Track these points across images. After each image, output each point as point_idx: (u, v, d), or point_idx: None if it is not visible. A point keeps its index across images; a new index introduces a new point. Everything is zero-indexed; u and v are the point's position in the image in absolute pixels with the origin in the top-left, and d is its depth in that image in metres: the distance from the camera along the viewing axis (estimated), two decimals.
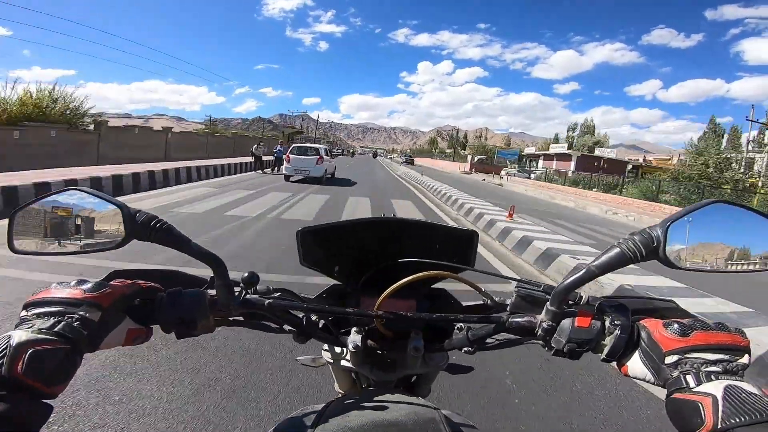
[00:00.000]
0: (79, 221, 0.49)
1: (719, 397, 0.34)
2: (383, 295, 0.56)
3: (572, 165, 37.80)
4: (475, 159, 49.08)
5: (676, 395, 0.38)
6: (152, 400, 1.78)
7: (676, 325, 0.42)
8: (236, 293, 0.53)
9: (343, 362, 0.65)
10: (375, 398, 0.54)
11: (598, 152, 44.66)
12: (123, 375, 1.95)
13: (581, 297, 0.52)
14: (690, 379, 0.38)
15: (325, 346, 0.67)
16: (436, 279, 0.64)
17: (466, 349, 0.56)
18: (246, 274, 0.55)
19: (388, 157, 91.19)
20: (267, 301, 0.54)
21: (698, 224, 0.46)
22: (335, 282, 0.70)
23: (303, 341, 0.60)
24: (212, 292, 0.52)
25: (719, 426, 0.33)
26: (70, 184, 7.12)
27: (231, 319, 0.56)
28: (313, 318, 0.60)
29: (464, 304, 0.65)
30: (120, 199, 0.49)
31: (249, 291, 0.55)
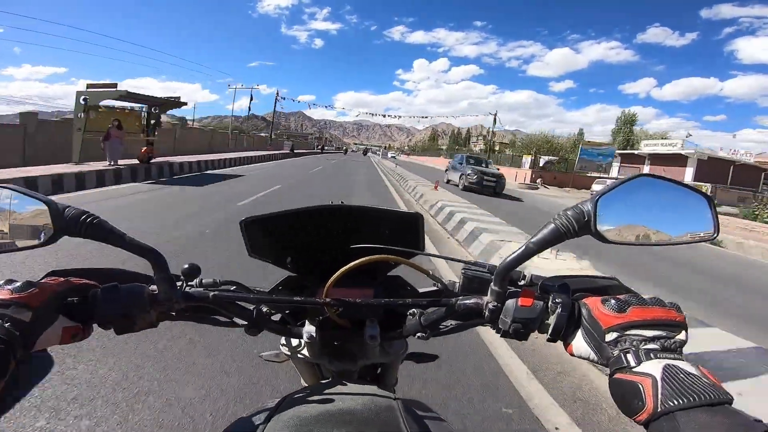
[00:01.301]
0: (1, 219, 0.48)
1: (658, 378, 0.34)
2: (329, 281, 0.55)
3: (689, 173, 27.16)
4: (540, 161, 30.11)
5: (618, 375, 0.38)
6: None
7: (612, 302, 0.43)
8: (178, 287, 0.52)
9: (302, 354, 0.65)
10: (331, 389, 0.53)
11: (722, 154, 30.13)
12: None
13: (524, 276, 0.52)
14: (630, 357, 0.38)
15: (283, 340, 0.67)
16: (388, 265, 0.63)
17: (419, 334, 0.56)
18: (186, 266, 0.54)
19: (389, 155, 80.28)
20: (212, 294, 0.53)
21: (627, 199, 0.47)
22: (290, 274, 0.69)
23: (254, 333, 0.59)
24: (154, 287, 0.51)
25: (659, 409, 0.33)
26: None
27: (175, 313, 0.55)
28: (264, 310, 0.58)
29: (421, 290, 0.65)
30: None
31: (191, 284, 0.54)
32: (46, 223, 0.46)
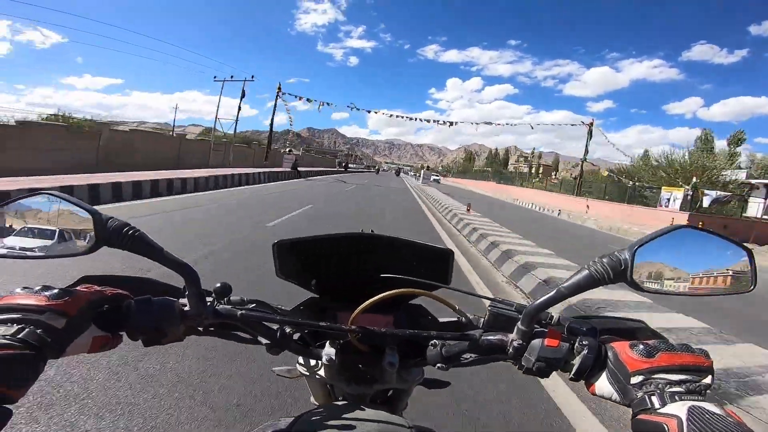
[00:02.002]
0: (48, 225, 0.50)
1: (683, 418, 0.35)
2: (357, 311, 0.57)
3: None
4: (703, 199, 17.96)
5: (642, 416, 0.39)
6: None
7: (641, 346, 0.44)
8: (208, 303, 0.54)
9: (318, 375, 0.66)
10: (345, 412, 0.54)
11: None
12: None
13: (552, 317, 0.53)
14: (655, 399, 0.39)
15: (300, 359, 0.68)
16: (412, 295, 0.64)
17: (439, 365, 0.57)
18: (218, 285, 0.56)
19: (432, 178, 65.58)
20: (239, 312, 0.54)
21: (665, 248, 0.48)
22: (313, 295, 0.70)
23: (276, 353, 0.60)
24: (184, 301, 0.52)
25: None
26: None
27: (202, 329, 0.56)
28: (287, 330, 0.60)
29: (441, 320, 0.66)
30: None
31: (221, 301, 0.56)
32: (89, 232, 0.48)
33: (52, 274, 3.17)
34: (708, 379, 0.41)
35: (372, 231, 0.69)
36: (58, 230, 0.50)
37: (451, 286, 0.64)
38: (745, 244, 0.48)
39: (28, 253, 0.50)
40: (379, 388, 0.65)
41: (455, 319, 0.64)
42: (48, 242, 0.50)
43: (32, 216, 0.50)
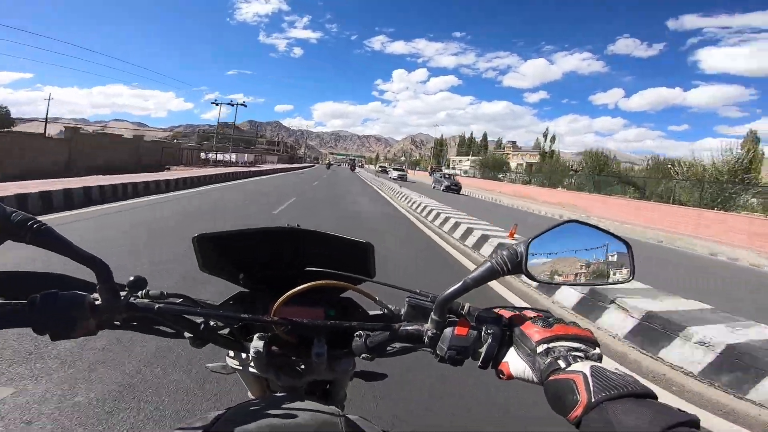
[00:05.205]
0: None
1: (588, 374, 0.38)
2: (278, 302, 0.58)
3: None
4: None
5: (552, 377, 0.42)
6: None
7: (540, 321, 0.48)
8: (122, 297, 0.53)
9: (250, 368, 0.66)
10: (277, 404, 0.54)
11: None
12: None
13: (463, 307, 0.55)
14: (561, 362, 0.42)
15: (231, 353, 0.68)
16: (342, 289, 0.66)
17: (364, 355, 0.58)
18: (132, 278, 0.55)
19: (395, 174, 45.64)
20: (157, 306, 0.54)
21: (557, 242, 0.51)
22: (242, 289, 0.70)
23: (200, 346, 0.60)
24: (96, 295, 0.52)
25: (593, 399, 0.36)
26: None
27: (120, 323, 0.55)
28: (212, 324, 0.60)
29: (371, 313, 0.68)
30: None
31: (136, 295, 0.55)
32: None
33: None
34: (598, 350, 0.45)
35: (297, 225, 0.69)
36: None
37: (375, 280, 0.66)
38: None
39: None
40: (309, 379, 0.66)
41: (381, 312, 0.66)
42: None
43: None
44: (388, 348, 0.59)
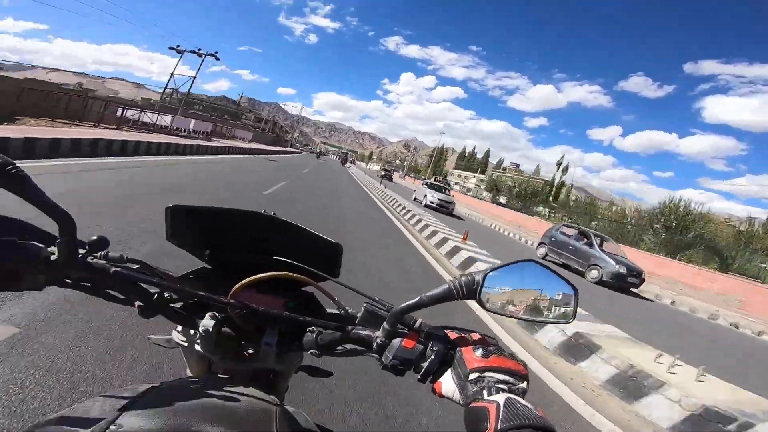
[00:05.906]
0: None
1: (501, 405, 0.42)
2: (237, 285, 0.58)
3: None
4: None
5: (472, 404, 0.45)
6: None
7: (480, 349, 0.51)
8: (80, 255, 0.52)
9: (195, 346, 0.65)
10: (215, 385, 0.53)
11: None
12: None
13: (415, 321, 0.57)
14: (484, 392, 0.46)
15: (179, 328, 0.66)
16: (304, 283, 0.66)
17: (312, 351, 0.59)
18: (95, 237, 0.53)
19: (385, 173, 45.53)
20: (113, 269, 0.52)
21: (513, 277, 0.54)
22: (205, 265, 0.70)
23: (148, 317, 0.58)
24: (54, 249, 0.50)
25: (498, 427, 0.40)
26: None
27: (71, 281, 0.54)
28: (166, 295, 0.59)
29: (329, 311, 0.68)
30: None
31: (95, 255, 0.53)
32: None
33: None
34: (525, 384, 0.49)
35: (273, 213, 0.69)
36: None
37: (338, 280, 0.67)
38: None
39: None
40: (255, 366, 0.65)
41: (340, 312, 0.66)
42: None
43: None
44: (338, 348, 0.60)
